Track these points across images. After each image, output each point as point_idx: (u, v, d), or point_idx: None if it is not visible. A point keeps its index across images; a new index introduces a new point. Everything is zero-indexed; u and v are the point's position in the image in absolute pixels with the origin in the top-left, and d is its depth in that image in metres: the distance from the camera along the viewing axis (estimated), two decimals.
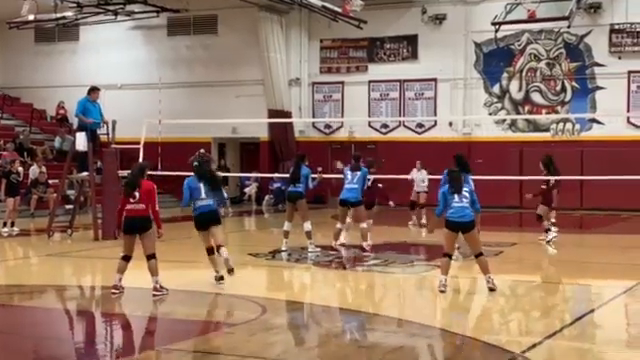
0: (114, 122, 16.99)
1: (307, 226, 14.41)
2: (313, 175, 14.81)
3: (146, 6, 26.04)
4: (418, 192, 20.12)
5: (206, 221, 11.05)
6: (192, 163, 24.92)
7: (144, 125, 18.35)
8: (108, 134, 16.99)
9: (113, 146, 17.10)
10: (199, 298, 10.47)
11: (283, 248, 14.46)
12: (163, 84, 27.51)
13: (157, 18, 27.54)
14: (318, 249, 14.44)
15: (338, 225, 14.44)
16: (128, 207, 10.23)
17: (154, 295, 10.13)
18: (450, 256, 10.62)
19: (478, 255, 10.64)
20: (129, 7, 26.11)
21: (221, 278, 10.94)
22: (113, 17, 26.83)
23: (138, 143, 17.72)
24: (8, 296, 10.88)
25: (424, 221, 19.53)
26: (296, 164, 14.58)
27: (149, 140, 18.86)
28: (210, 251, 11.12)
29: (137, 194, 10.19)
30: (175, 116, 23.64)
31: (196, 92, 28.54)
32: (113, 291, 10.19)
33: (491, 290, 10.41)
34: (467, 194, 10.54)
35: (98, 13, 26.50)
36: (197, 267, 12.27)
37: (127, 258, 10.32)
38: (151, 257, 10.26)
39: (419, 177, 20.04)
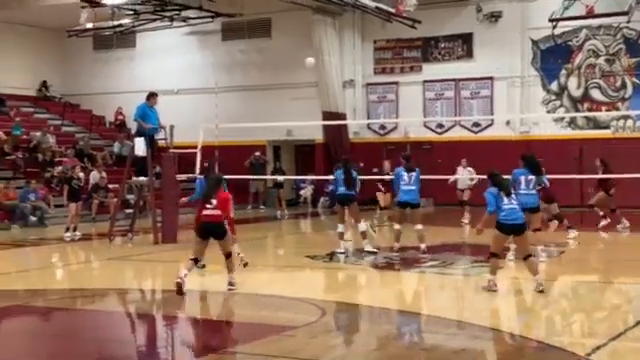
0: (172, 127, 17.21)
1: (362, 226, 14.45)
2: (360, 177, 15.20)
3: (201, 12, 26.33)
4: (462, 190, 20.45)
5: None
6: (248, 164, 25.37)
7: (201, 129, 18.54)
8: (166, 139, 17.20)
9: (171, 151, 17.32)
10: (258, 301, 10.52)
11: (341, 250, 14.47)
12: (219, 88, 27.74)
13: (212, 23, 27.82)
14: (375, 249, 14.43)
15: (397, 226, 14.40)
16: (205, 213, 10.75)
17: (229, 289, 10.68)
18: (497, 255, 10.66)
19: (527, 257, 10.63)
20: (184, 13, 26.44)
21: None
22: (169, 23, 27.20)
23: (195, 147, 17.91)
24: (71, 300, 11.08)
25: (466, 220, 19.45)
26: (347, 169, 14.52)
27: (206, 144, 19.04)
28: None
29: (214, 201, 10.71)
30: (231, 120, 23.84)
31: (251, 95, 28.75)
32: (178, 281, 10.39)
33: (540, 292, 10.34)
34: (515, 196, 10.61)
35: (154, 20, 26.89)
36: (254, 270, 12.32)
37: (196, 261, 10.76)
38: (228, 256, 10.87)
39: (464, 175, 20.25)
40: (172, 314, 10.04)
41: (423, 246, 14.01)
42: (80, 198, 18.70)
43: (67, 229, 17.85)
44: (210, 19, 27.11)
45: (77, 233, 17.92)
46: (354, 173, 14.67)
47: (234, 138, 25.31)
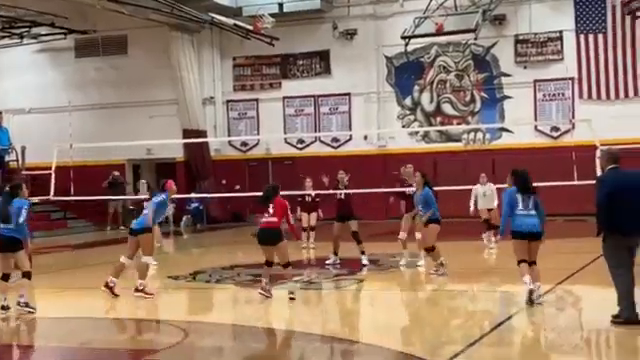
0: (23, 148, 16.57)
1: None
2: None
3: (52, 28, 25.55)
4: (489, 209, 17.34)
5: None
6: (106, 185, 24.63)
7: (55, 149, 17.93)
8: (18, 160, 16.54)
9: (23, 172, 16.66)
10: (119, 325, 10.25)
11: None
12: (73, 107, 26.98)
13: (64, 40, 27.03)
14: None
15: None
16: (262, 220, 11.11)
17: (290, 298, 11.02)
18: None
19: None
20: (35, 30, 25.57)
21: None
22: (19, 40, 26.24)
23: (49, 168, 17.31)
24: None
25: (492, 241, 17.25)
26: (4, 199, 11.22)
27: (60, 165, 18.41)
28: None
29: (271, 209, 10.95)
30: (87, 139, 23.18)
31: (108, 114, 28.08)
32: (262, 292, 11.07)
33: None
34: None
35: (2, 37, 25.85)
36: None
37: (269, 264, 11.21)
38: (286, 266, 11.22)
39: (481, 191, 17.52)
40: (26, 343, 9.62)
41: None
42: None
43: None
44: (62, 36, 26.35)
45: None
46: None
47: (91, 158, 24.65)
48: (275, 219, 10.96)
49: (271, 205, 10.98)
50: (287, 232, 11.28)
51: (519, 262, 10.17)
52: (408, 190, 14.36)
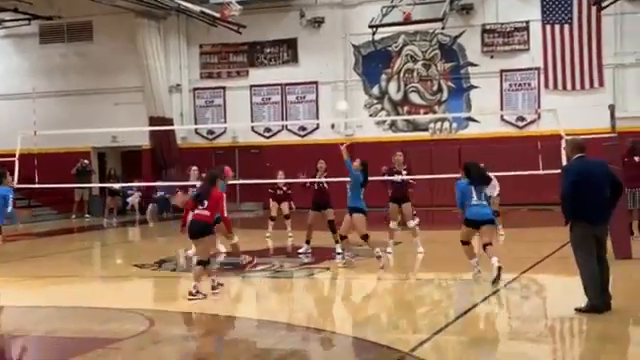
0: None
1: None
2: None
3: (16, 14, 25.19)
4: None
5: None
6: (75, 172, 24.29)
7: (19, 136, 17.68)
8: None
9: None
10: (83, 313, 10.16)
11: None
12: (37, 93, 26.65)
13: (28, 26, 26.67)
14: None
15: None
16: (196, 211, 10.62)
17: (189, 299, 10.33)
18: None
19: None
20: None
21: None
22: None
23: (13, 156, 17.07)
24: None
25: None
26: None
27: (25, 152, 18.17)
28: None
29: (206, 202, 10.54)
30: (52, 126, 22.93)
31: (73, 101, 27.80)
32: (190, 297, 10.32)
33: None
34: None
35: None
36: (77, 281, 11.90)
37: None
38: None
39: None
40: None
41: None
42: None
43: None
44: (26, 22, 25.99)
45: None
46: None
47: (56, 145, 24.36)
48: (207, 212, 10.55)
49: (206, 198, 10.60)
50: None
51: (463, 243, 11.34)
52: (397, 178, 14.44)
